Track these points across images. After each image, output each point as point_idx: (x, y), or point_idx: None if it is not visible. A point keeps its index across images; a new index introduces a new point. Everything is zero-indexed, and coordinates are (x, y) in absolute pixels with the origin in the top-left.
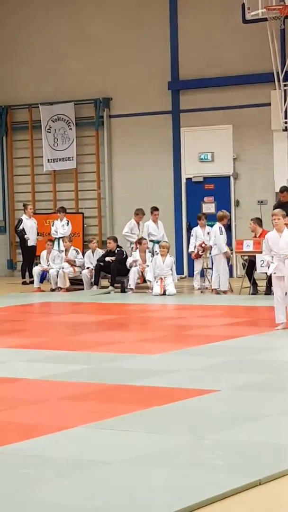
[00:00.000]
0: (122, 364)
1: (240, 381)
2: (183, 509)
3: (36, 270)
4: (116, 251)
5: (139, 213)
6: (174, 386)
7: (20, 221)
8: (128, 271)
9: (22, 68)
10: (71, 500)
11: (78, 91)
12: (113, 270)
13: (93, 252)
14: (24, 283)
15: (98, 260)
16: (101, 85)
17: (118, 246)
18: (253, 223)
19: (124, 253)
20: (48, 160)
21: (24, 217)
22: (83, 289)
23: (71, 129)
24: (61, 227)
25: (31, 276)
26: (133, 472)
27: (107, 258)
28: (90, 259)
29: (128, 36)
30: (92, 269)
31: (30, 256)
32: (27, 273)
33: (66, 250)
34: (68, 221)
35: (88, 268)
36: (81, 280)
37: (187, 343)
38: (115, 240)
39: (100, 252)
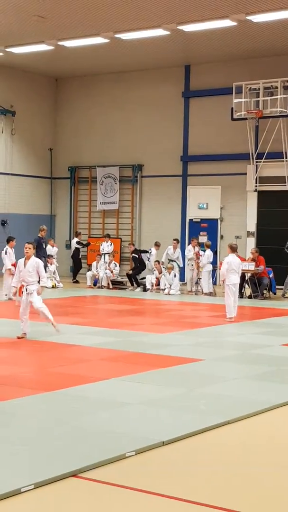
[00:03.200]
0: (141, 339)
1: (219, 354)
2: (175, 438)
3: (89, 274)
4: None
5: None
6: (174, 355)
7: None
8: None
9: (86, 141)
10: (108, 427)
11: (122, 159)
12: (130, 277)
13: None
14: (76, 282)
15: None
16: (137, 155)
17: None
18: (255, 252)
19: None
20: (100, 202)
21: (76, 239)
22: (121, 288)
23: (116, 183)
24: (106, 246)
25: (74, 278)
26: (146, 410)
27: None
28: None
29: (156, 124)
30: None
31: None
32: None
33: (110, 262)
34: (111, 243)
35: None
36: (119, 282)
37: (183, 327)
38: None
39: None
